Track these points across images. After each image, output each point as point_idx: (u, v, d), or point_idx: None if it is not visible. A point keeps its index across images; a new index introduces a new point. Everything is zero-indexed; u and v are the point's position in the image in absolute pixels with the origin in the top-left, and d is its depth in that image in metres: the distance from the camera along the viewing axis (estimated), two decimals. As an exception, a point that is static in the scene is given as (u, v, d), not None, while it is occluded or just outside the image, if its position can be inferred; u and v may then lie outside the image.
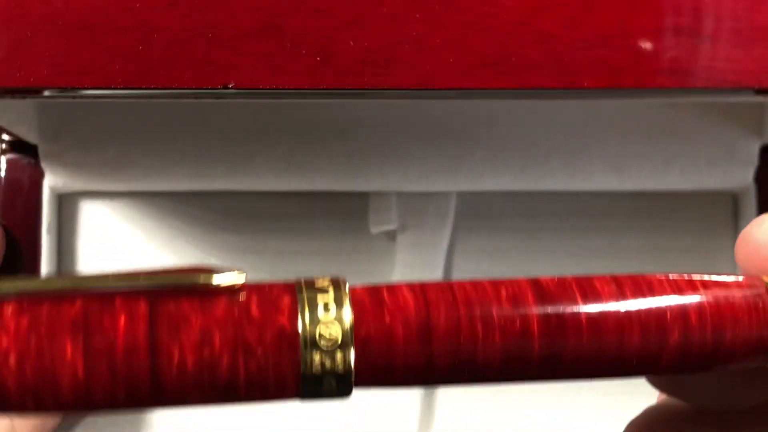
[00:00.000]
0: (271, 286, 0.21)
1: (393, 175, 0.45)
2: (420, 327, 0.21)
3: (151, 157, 0.44)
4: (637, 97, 0.32)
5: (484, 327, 0.21)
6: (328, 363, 0.21)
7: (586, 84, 0.31)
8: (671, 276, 0.23)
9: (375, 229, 0.46)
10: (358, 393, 0.21)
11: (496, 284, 0.22)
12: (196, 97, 0.32)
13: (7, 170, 0.44)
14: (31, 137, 0.43)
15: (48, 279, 0.20)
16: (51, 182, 0.45)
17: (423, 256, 0.46)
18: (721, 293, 0.22)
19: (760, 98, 0.32)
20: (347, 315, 0.21)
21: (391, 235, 0.47)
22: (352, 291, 0.21)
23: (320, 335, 0.21)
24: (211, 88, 0.31)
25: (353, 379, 0.21)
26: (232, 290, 0.21)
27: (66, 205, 0.46)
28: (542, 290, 0.22)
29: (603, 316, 0.21)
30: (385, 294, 0.21)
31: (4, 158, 0.44)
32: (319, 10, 0.31)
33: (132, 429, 0.45)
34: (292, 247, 0.47)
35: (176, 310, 0.20)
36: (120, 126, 0.44)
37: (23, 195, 0.44)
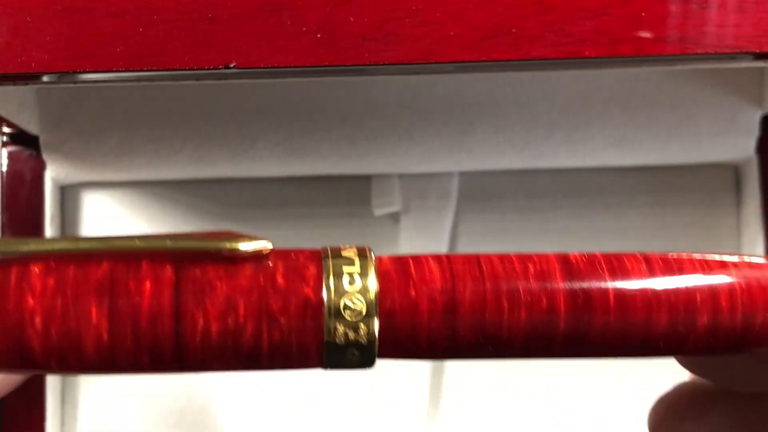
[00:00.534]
0: (297, 254, 0.21)
1: (395, 157, 0.45)
2: (445, 300, 0.21)
3: (153, 144, 0.44)
4: (637, 65, 0.32)
5: (510, 302, 0.21)
6: (351, 334, 0.20)
7: (587, 53, 0.31)
8: (703, 256, 0.22)
9: (378, 212, 0.46)
10: (375, 367, 0.21)
11: (523, 259, 0.22)
12: (197, 79, 0.32)
13: (8, 162, 0.44)
14: (32, 127, 0.43)
15: (75, 239, 0.20)
16: (53, 173, 0.45)
17: (427, 236, 0.46)
18: (752, 275, 0.22)
19: (759, 63, 0.32)
20: (372, 286, 0.21)
21: (394, 217, 0.47)
22: (378, 261, 0.21)
23: (345, 306, 0.20)
24: (212, 69, 0.31)
25: (376, 350, 0.21)
26: (258, 257, 0.21)
27: (68, 196, 0.46)
28: (570, 267, 0.21)
29: (631, 294, 0.21)
30: (412, 266, 0.21)
31: (5, 150, 0.44)
32: (318, -13, 0.31)
33: None
34: (295, 232, 0.47)
35: (202, 275, 0.20)
36: (120, 114, 0.44)
37: (25, 187, 0.44)
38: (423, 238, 0.46)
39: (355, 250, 0.21)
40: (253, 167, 0.45)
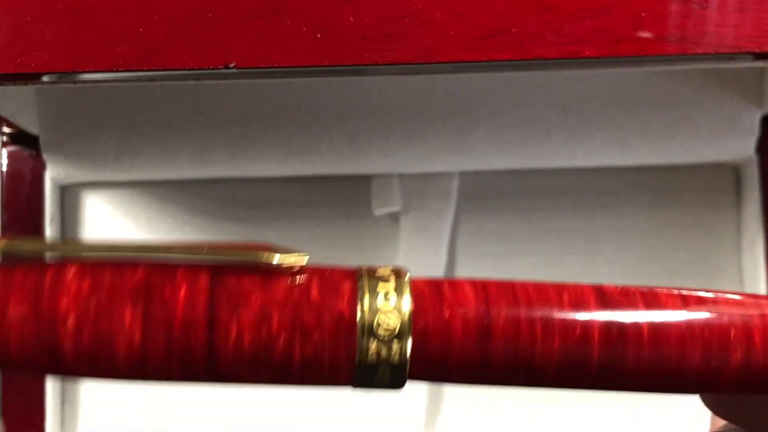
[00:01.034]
0: (332, 271, 0.21)
1: (395, 157, 0.45)
2: (479, 324, 0.21)
3: (152, 144, 0.44)
4: (637, 65, 0.32)
5: (544, 330, 0.21)
6: (384, 352, 0.20)
7: (587, 53, 0.31)
8: (737, 295, 0.22)
9: (378, 212, 0.46)
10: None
11: (559, 288, 0.21)
12: (197, 78, 0.32)
13: (8, 163, 0.44)
14: (32, 127, 0.43)
15: (112, 245, 0.20)
16: (53, 174, 0.45)
17: (427, 237, 0.46)
18: None
19: (759, 63, 0.32)
20: (407, 305, 0.21)
21: (394, 217, 0.47)
22: (413, 282, 0.21)
23: (378, 324, 0.20)
24: (212, 69, 0.31)
25: (408, 370, 0.21)
26: (293, 271, 0.21)
27: (68, 196, 0.46)
28: (605, 297, 0.21)
29: (665, 328, 0.21)
30: (446, 288, 0.21)
31: (5, 150, 0.44)
32: (318, -13, 0.31)
33: None
34: (296, 233, 0.47)
35: (237, 286, 0.20)
36: (120, 114, 0.44)
37: (25, 187, 0.44)
38: (423, 238, 0.46)
39: (390, 269, 0.21)
40: (253, 167, 0.45)
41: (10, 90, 0.40)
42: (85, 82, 0.32)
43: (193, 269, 0.20)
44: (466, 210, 0.47)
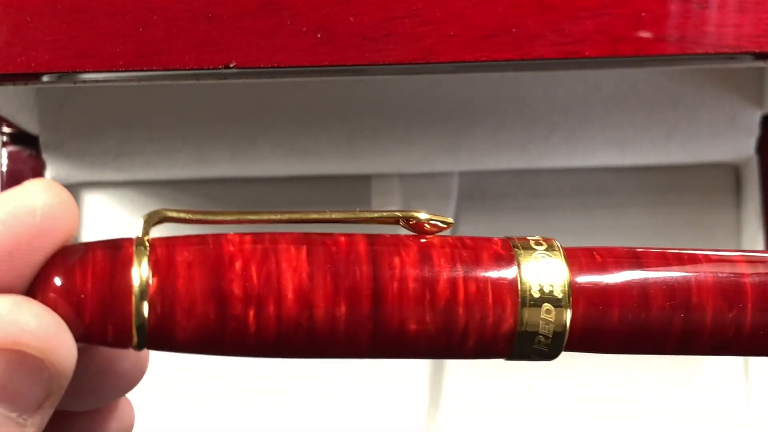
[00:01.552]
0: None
1: (395, 157, 0.45)
2: (637, 289, 0.21)
3: (152, 144, 0.44)
4: (637, 65, 0.32)
5: (698, 292, 0.21)
6: (547, 287, 0.20)
7: (587, 53, 0.31)
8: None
9: (378, 212, 0.46)
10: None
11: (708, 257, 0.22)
12: (197, 78, 0.32)
13: (8, 163, 0.44)
14: (31, 127, 0.43)
15: (269, 212, 0.21)
16: (53, 173, 0.45)
17: (427, 236, 0.46)
18: None
19: (759, 63, 0.32)
20: (562, 268, 0.21)
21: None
22: (565, 249, 0.21)
23: (535, 259, 0.21)
24: (212, 69, 0.31)
25: (569, 301, 0.20)
26: (440, 229, 0.21)
27: (68, 196, 0.46)
28: (752, 258, 0.22)
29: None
30: (598, 254, 0.21)
31: (5, 150, 0.44)
32: (318, -13, 0.31)
33: None
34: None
35: (392, 237, 0.20)
36: (120, 114, 0.44)
37: (25, 187, 0.44)
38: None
39: (538, 237, 0.22)
40: (253, 167, 0.45)
41: (10, 90, 0.40)
42: (85, 82, 0.32)
43: (347, 233, 0.20)
44: (466, 210, 0.47)
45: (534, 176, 0.47)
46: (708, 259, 0.22)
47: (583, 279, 0.21)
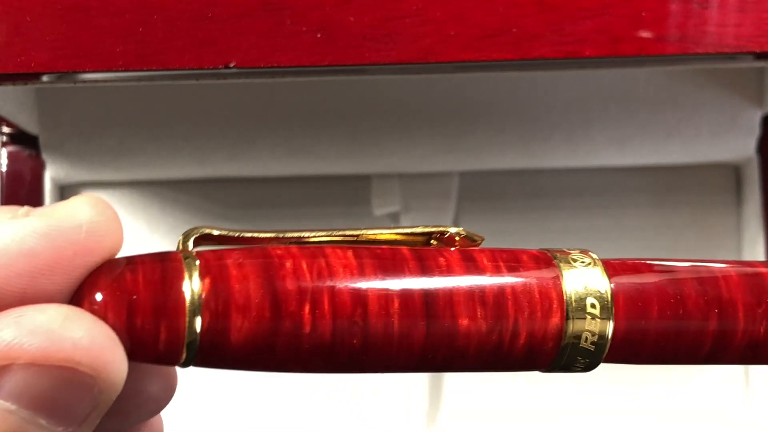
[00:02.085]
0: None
1: (395, 157, 0.45)
2: (672, 301, 0.21)
3: (152, 144, 0.44)
4: (637, 65, 0.32)
5: (728, 288, 0.21)
6: (592, 289, 0.20)
7: (587, 53, 0.31)
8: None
9: (378, 212, 0.46)
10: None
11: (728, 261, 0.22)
12: (197, 78, 0.32)
13: (8, 163, 0.44)
14: (31, 127, 0.43)
15: (305, 230, 0.21)
16: (52, 173, 0.45)
17: (427, 237, 0.46)
18: None
19: (760, 63, 0.32)
20: (602, 279, 0.21)
21: (394, 218, 0.47)
22: (604, 261, 0.21)
23: (575, 262, 0.21)
24: (212, 69, 0.31)
25: (611, 304, 0.20)
26: (471, 244, 0.21)
27: (68, 196, 0.46)
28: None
29: None
30: (633, 265, 0.21)
31: (5, 150, 0.44)
32: (318, -14, 0.31)
33: None
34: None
35: (428, 249, 0.21)
36: (120, 114, 0.44)
37: (25, 187, 0.44)
38: (423, 238, 0.46)
39: (577, 250, 0.22)
40: (253, 167, 0.45)
41: (10, 90, 0.40)
42: (85, 82, 0.32)
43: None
44: (466, 210, 0.47)
45: (534, 176, 0.47)
46: (728, 262, 0.22)
47: (623, 288, 0.21)
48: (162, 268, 0.19)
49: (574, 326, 0.20)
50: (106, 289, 0.18)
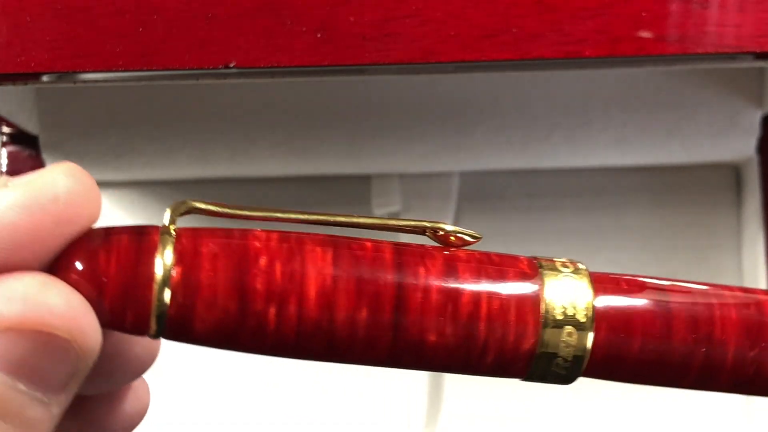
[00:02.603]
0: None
1: (395, 157, 0.45)
2: (660, 316, 0.21)
3: (152, 144, 0.44)
4: (637, 65, 0.32)
5: (723, 324, 0.21)
6: (570, 310, 0.20)
7: (587, 53, 0.31)
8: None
9: (378, 212, 0.46)
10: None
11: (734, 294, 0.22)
12: (197, 78, 0.32)
13: (8, 163, 0.44)
14: (31, 127, 0.43)
15: (297, 212, 0.21)
16: (53, 173, 0.44)
17: (427, 237, 0.46)
18: None
19: (760, 63, 0.32)
20: (586, 290, 0.20)
21: (394, 217, 0.46)
22: (591, 273, 0.21)
23: (560, 281, 0.20)
24: (212, 68, 0.31)
25: (592, 323, 0.20)
26: (467, 243, 0.21)
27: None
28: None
29: None
30: (622, 280, 0.21)
31: (5, 150, 0.44)
32: (318, -13, 0.31)
33: None
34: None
35: (417, 247, 0.20)
36: (120, 113, 0.44)
37: (25, 187, 0.44)
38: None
39: (565, 258, 0.21)
40: (253, 167, 0.45)
41: (10, 90, 0.40)
42: (85, 82, 0.32)
43: (373, 239, 0.20)
44: (466, 210, 0.47)
45: (534, 176, 0.47)
46: (734, 296, 0.21)
47: (607, 304, 0.20)
48: (137, 241, 0.19)
49: (550, 340, 0.20)
50: (81, 259, 0.19)
